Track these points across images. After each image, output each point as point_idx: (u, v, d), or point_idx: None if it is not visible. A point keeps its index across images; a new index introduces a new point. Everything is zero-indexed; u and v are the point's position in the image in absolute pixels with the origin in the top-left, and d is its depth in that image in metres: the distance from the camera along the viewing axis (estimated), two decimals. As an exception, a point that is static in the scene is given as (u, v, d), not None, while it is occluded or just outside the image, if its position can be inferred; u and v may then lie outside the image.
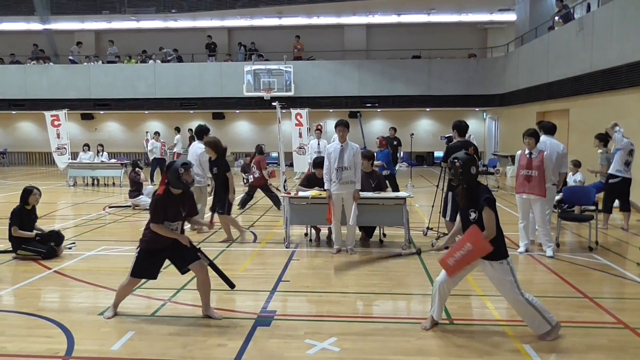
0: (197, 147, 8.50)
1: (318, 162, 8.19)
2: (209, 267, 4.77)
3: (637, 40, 10.83)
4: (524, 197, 7.13)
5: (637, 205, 9.53)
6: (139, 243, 4.81)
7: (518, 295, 4.18)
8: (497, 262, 4.21)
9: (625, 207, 8.98)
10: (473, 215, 4.23)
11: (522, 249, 7.30)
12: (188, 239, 4.73)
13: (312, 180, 8.12)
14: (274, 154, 21.20)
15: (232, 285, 4.82)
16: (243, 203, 11.14)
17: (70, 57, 22.90)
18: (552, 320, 4.24)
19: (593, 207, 7.94)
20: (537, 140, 7.07)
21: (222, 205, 7.91)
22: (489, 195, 4.22)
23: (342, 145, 7.15)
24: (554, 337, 4.25)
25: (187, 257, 4.74)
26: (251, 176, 11.21)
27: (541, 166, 6.92)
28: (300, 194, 7.57)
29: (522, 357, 4.00)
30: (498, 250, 4.17)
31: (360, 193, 7.55)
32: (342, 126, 7.16)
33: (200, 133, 8.62)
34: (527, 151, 7.08)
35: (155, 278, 4.87)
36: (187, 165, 4.62)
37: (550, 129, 7.65)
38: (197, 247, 4.84)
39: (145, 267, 4.76)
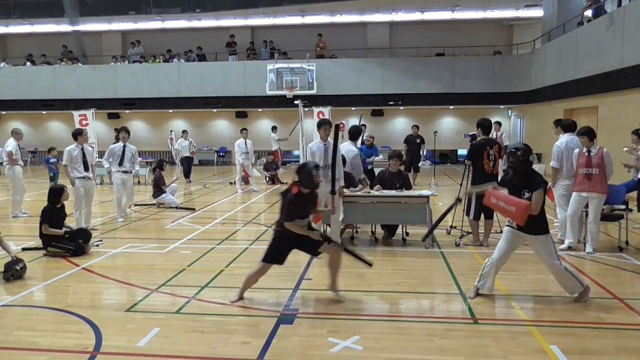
0: (350, 150, 8.12)
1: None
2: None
3: (669, 34, 10.52)
4: (584, 195, 7.02)
5: None
6: (273, 235, 5.19)
7: (556, 261, 5.05)
8: (542, 236, 5.06)
9: None
10: (527, 195, 4.98)
11: (565, 245, 7.24)
12: (319, 234, 5.11)
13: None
14: (296, 152, 21.29)
15: (370, 264, 5.28)
16: None
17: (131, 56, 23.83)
18: (583, 282, 5.15)
19: (623, 206, 7.76)
20: (592, 137, 7.00)
21: None
22: (543, 180, 5.07)
23: (325, 144, 7.23)
24: (587, 298, 5.11)
25: (315, 243, 5.11)
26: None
27: (602, 163, 6.85)
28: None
29: (549, 357, 3.93)
30: (543, 226, 5.05)
31: (384, 191, 7.53)
32: (328, 125, 7.25)
33: (356, 134, 8.42)
34: (584, 149, 7.00)
35: (282, 264, 5.15)
36: (319, 167, 5.06)
37: (570, 127, 7.65)
38: (328, 236, 5.27)
39: (278, 253, 5.10)
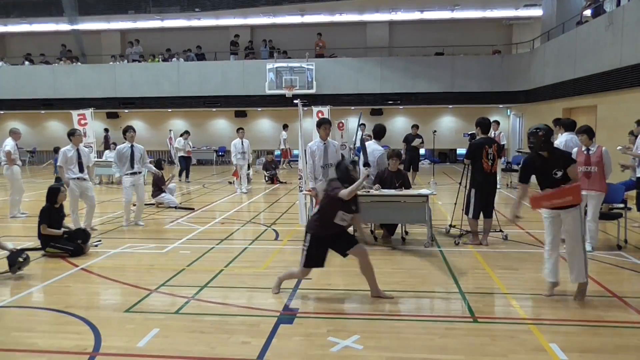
0: (375, 149, 8.00)
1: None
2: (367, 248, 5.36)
3: (668, 33, 10.52)
4: (583, 193, 7.01)
5: None
6: (306, 232, 5.19)
7: (578, 242, 5.02)
8: (577, 209, 5.01)
9: None
10: (559, 174, 4.93)
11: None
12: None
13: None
14: (295, 151, 21.28)
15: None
16: None
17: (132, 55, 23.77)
18: (586, 276, 5.08)
19: (622, 205, 7.78)
20: (591, 136, 7.03)
21: None
22: (570, 154, 5.17)
23: (325, 143, 7.27)
24: (583, 296, 5.09)
25: (347, 243, 5.18)
26: None
27: (600, 161, 6.89)
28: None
29: (548, 355, 3.93)
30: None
31: (383, 190, 7.53)
32: (328, 124, 7.28)
33: (381, 133, 8.26)
34: (583, 147, 7.04)
35: (323, 266, 5.23)
36: (354, 163, 5.16)
37: (570, 126, 7.62)
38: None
39: (318, 256, 5.15)
